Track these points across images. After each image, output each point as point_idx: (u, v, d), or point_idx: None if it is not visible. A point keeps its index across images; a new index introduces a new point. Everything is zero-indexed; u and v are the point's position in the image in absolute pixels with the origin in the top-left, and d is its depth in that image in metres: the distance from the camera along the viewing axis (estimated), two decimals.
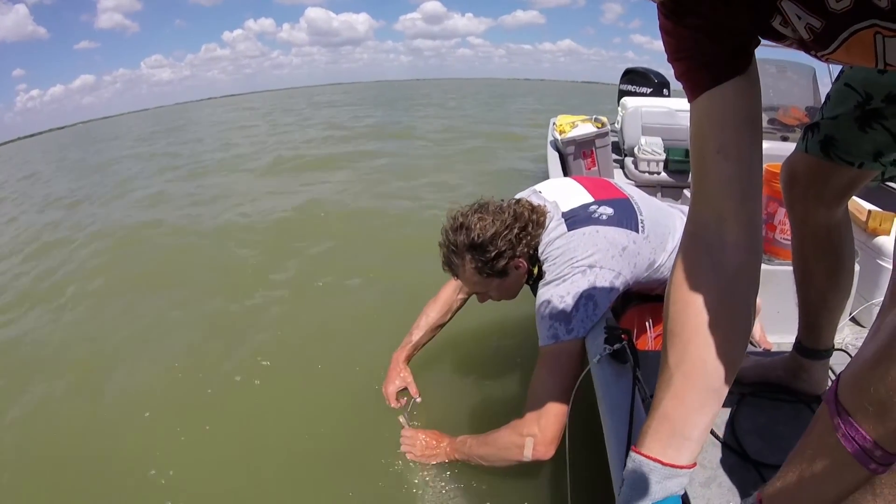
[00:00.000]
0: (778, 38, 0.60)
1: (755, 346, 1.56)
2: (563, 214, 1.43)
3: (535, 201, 1.50)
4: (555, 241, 1.39)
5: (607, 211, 1.41)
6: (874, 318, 0.65)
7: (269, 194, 5.74)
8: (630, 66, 4.88)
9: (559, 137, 3.46)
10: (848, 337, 1.60)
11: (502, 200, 1.49)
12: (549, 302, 1.32)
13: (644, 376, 1.07)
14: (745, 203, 0.68)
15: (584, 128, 3.43)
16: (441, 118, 14.14)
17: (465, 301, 1.91)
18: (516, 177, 5.89)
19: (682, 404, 0.67)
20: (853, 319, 1.66)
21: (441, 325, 1.93)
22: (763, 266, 0.76)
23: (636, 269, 1.37)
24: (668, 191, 3.41)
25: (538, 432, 1.26)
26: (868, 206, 1.76)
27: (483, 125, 11.92)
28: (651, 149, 3.42)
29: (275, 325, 2.63)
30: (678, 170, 3.40)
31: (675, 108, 3.65)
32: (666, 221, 1.49)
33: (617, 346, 1.13)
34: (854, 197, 1.28)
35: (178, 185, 7.05)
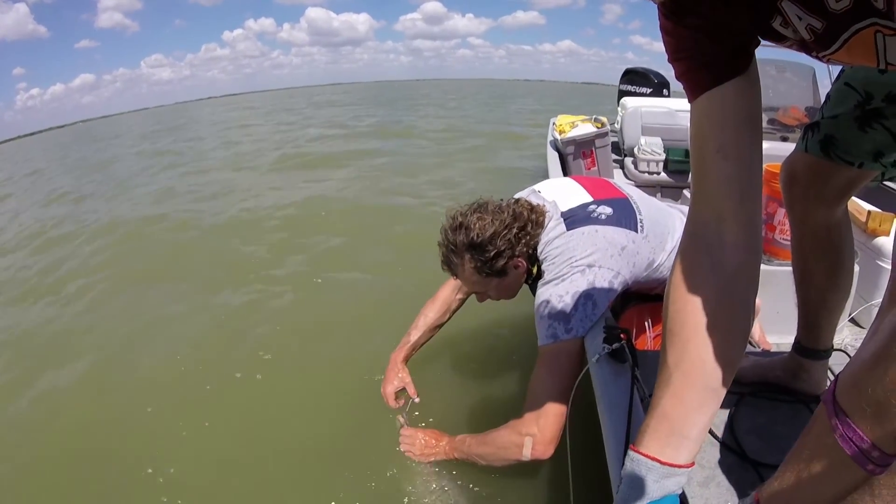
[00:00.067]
0: (778, 38, 0.60)
1: (754, 347, 1.56)
2: (563, 214, 1.43)
3: (535, 201, 1.50)
4: (554, 241, 1.39)
5: (606, 210, 1.41)
6: (873, 318, 0.65)
7: (271, 191, 5.77)
8: (630, 66, 4.88)
9: (559, 137, 3.46)
10: (847, 337, 1.59)
11: (501, 200, 1.49)
12: (548, 301, 1.32)
13: (643, 376, 1.07)
14: (744, 203, 0.68)
15: (584, 128, 3.43)
16: (441, 118, 14.18)
17: (463, 301, 1.91)
18: (516, 175, 5.91)
19: (680, 403, 0.67)
20: (853, 320, 1.66)
21: (440, 325, 1.92)
22: (762, 266, 0.75)
23: (635, 269, 1.37)
24: (668, 191, 3.40)
25: (537, 432, 1.26)
26: (868, 206, 1.76)
27: (483, 125, 11.96)
28: (651, 149, 3.41)
29: (276, 320, 2.64)
30: (678, 170, 3.40)
31: (675, 108, 3.65)
32: (665, 221, 1.49)
33: (616, 345, 1.13)
34: (854, 198, 1.28)
35: (181, 181, 7.09)
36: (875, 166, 0.89)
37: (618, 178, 3.58)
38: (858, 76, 0.86)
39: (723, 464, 0.97)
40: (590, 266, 1.31)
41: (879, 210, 1.74)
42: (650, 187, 3.38)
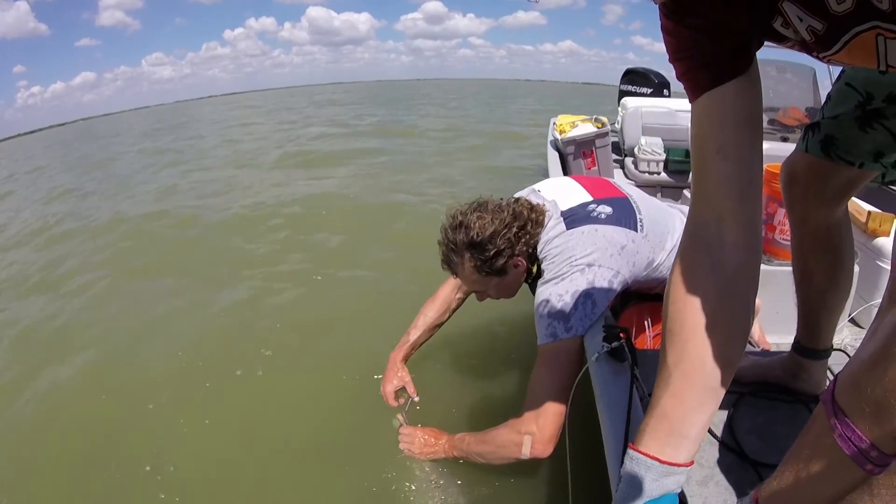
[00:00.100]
0: (779, 39, 0.60)
1: (754, 346, 1.56)
2: (562, 213, 1.43)
3: (534, 200, 1.50)
4: (553, 240, 1.39)
5: (606, 210, 1.41)
6: (873, 319, 0.65)
7: (273, 189, 5.80)
8: (630, 66, 4.88)
9: (559, 137, 3.46)
10: (847, 338, 1.59)
11: (501, 199, 1.49)
12: (547, 300, 1.32)
13: (642, 375, 1.07)
14: (744, 203, 0.68)
15: (585, 128, 3.43)
16: (442, 117, 14.20)
17: (463, 300, 1.91)
18: (517, 174, 5.93)
19: (680, 403, 0.67)
20: (852, 320, 1.66)
21: (439, 325, 1.92)
22: (762, 266, 0.76)
23: (635, 268, 1.37)
24: (668, 191, 3.40)
25: (536, 430, 1.26)
26: (868, 207, 1.76)
27: (484, 124, 11.98)
28: (651, 149, 3.41)
29: (277, 317, 2.65)
30: (678, 170, 3.40)
31: (676, 108, 3.65)
32: (665, 220, 1.49)
33: (615, 344, 1.13)
34: (854, 198, 1.28)
35: (182, 179, 7.12)
36: (875, 166, 0.89)
37: (618, 178, 3.58)
38: (859, 76, 0.86)
39: (722, 463, 0.97)
40: (589, 265, 1.31)
41: (879, 210, 1.74)
42: (650, 187, 3.38)
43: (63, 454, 1.81)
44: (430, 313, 1.89)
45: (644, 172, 3.45)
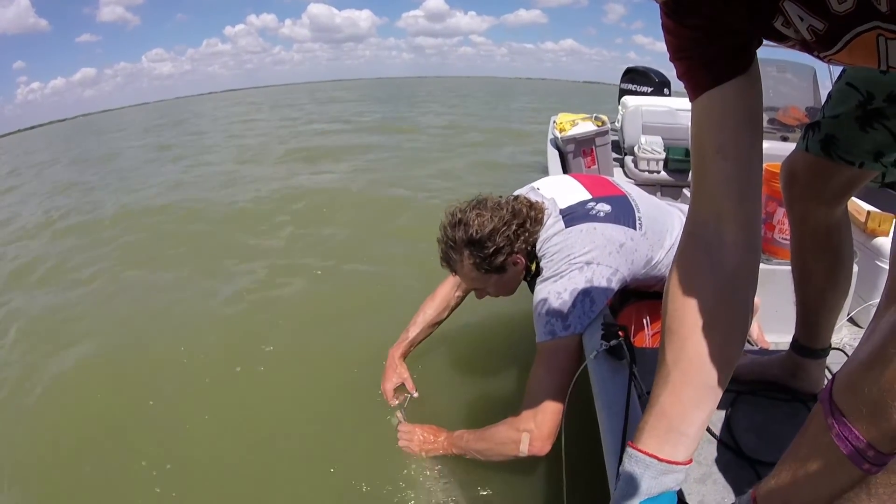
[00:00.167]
0: (780, 38, 0.60)
1: (753, 345, 1.56)
2: (561, 211, 1.44)
3: (533, 198, 1.50)
4: (552, 238, 1.39)
5: (605, 208, 1.41)
6: (871, 318, 0.65)
7: (275, 184, 5.82)
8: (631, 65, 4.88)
9: (559, 135, 3.45)
10: (846, 337, 1.60)
11: (500, 197, 1.49)
12: (546, 298, 1.32)
13: (641, 373, 1.07)
14: (743, 203, 0.68)
15: (584, 126, 3.42)
16: (444, 115, 14.20)
17: (462, 299, 1.91)
18: (518, 170, 5.95)
19: (678, 401, 0.67)
20: (851, 320, 1.66)
21: (439, 323, 1.92)
22: (761, 265, 0.76)
23: (633, 266, 1.38)
24: (668, 190, 3.40)
25: (534, 428, 1.26)
26: (867, 206, 1.76)
27: (485, 122, 12.00)
28: (651, 148, 3.41)
29: (279, 312, 2.67)
30: (678, 169, 3.40)
31: (676, 107, 3.64)
32: (664, 219, 1.49)
33: (614, 342, 1.13)
34: (853, 198, 1.28)
35: (187, 174, 7.16)
36: (875, 166, 0.89)
37: (618, 176, 3.58)
38: (860, 76, 0.86)
39: (720, 461, 0.97)
40: (588, 263, 1.31)
41: (879, 210, 1.74)
42: (650, 186, 3.37)
43: (62, 447, 1.81)
44: (429, 311, 1.89)
45: (644, 171, 3.44)
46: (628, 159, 3.62)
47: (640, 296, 1.55)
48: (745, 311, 0.69)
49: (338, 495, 1.52)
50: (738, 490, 0.90)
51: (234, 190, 5.69)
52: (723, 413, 1.08)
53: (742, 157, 0.67)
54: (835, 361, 1.14)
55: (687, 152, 3.24)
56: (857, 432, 0.52)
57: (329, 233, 3.94)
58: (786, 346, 1.14)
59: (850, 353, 0.68)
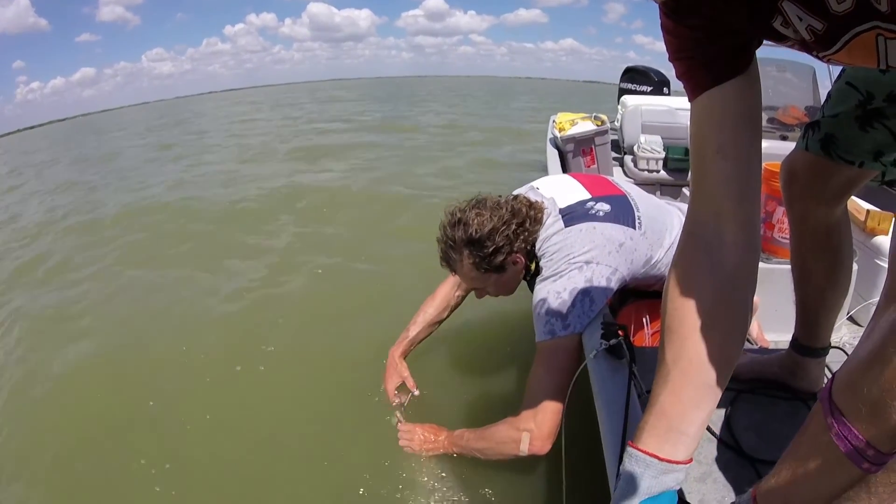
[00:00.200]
0: (779, 38, 0.60)
1: (752, 344, 1.56)
2: (561, 211, 1.44)
3: (533, 197, 1.50)
4: (552, 238, 1.39)
5: (604, 207, 1.41)
6: (871, 317, 0.65)
7: (278, 183, 5.83)
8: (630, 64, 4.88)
9: (559, 135, 3.45)
10: (845, 336, 1.60)
11: (500, 196, 1.49)
12: (545, 298, 1.32)
13: (640, 372, 1.07)
14: (743, 202, 0.68)
15: (584, 125, 3.42)
16: (444, 114, 14.22)
17: (462, 298, 1.91)
18: (518, 169, 5.96)
19: (678, 400, 0.67)
20: (851, 318, 1.66)
21: (439, 322, 1.92)
22: (761, 265, 0.76)
23: (633, 266, 1.38)
24: (668, 189, 3.40)
25: (534, 427, 1.26)
26: (867, 205, 1.77)
27: (485, 121, 12.00)
28: (650, 147, 3.41)
29: (279, 311, 2.67)
30: (677, 168, 3.40)
31: (675, 106, 3.64)
32: (663, 218, 1.49)
33: (613, 341, 1.13)
34: (853, 197, 1.28)
35: (188, 173, 7.17)
36: (875, 166, 0.89)
37: (617, 175, 3.57)
38: (860, 75, 0.86)
39: (720, 460, 0.97)
40: (587, 263, 1.32)
41: (878, 209, 1.74)
42: (650, 185, 3.37)
43: (62, 446, 1.81)
44: (429, 310, 1.89)
45: (643, 170, 3.45)
46: (628, 158, 3.62)
47: (640, 295, 1.55)
48: (745, 311, 0.69)
49: (338, 495, 1.52)
50: (739, 489, 0.90)
51: (234, 189, 5.70)
52: (723, 412, 1.08)
53: (742, 156, 0.67)
54: (834, 360, 1.14)
55: (686, 151, 3.23)
56: (856, 431, 0.52)
57: (329, 232, 3.95)
58: (785, 345, 1.14)
59: (849, 352, 0.68)
